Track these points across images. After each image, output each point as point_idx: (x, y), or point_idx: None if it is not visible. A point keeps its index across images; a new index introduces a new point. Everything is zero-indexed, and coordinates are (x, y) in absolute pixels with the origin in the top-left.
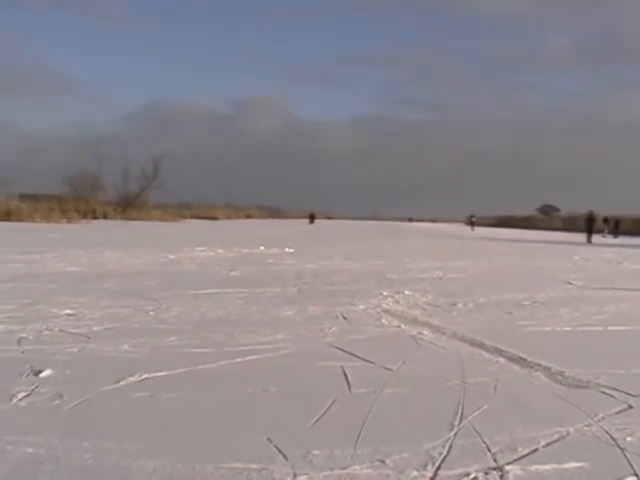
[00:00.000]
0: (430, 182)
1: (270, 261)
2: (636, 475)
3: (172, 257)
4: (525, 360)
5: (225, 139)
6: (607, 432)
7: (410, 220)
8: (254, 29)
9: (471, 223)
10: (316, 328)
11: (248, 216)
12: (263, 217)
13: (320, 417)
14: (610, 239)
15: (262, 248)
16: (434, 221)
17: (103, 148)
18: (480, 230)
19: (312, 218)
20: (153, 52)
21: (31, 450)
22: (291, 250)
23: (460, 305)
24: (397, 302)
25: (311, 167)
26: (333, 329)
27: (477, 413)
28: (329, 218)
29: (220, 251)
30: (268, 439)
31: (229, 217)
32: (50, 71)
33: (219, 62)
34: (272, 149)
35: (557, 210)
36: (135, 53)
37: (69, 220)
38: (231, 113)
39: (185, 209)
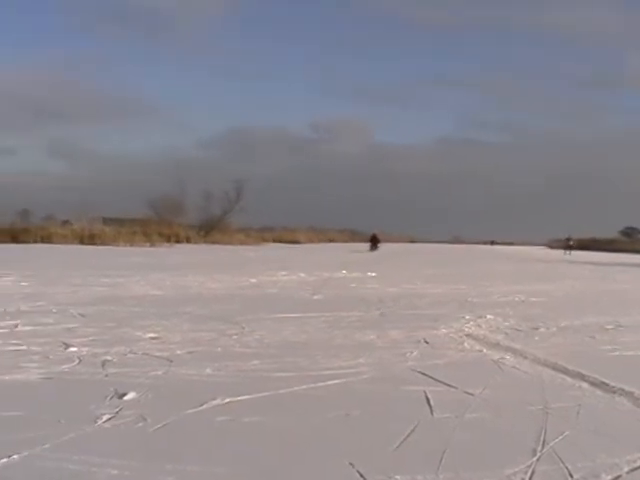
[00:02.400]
0: (510, 204)
1: (352, 285)
2: None
3: (254, 281)
4: (608, 385)
5: (306, 162)
6: None
7: (492, 243)
8: (334, 52)
9: (568, 246)
10: (398, 352)
11: (330, 240)
12: (345, 240)
13: (402, 442)
14: None
15: (344, 272)
16: (514, 244)
17: (185, 172)
18: (563, 253)
19: (374, 242)
20: (234, 78)
21: (115, 472)
22: (373, 274)
23: (542, 329)
24: (479, 326)
25: (391, 190)
26: (415, 353)
27: (559, 439)
28: (412, 241)
29: (302, 275)
30: (350, 464)
31: (311, 241)
32: (132, 97)
33: (300, 86)
34: (353, 172)
35: None
36: (217, 79)
37: (152, 244)
38: (311, 136)
39: (267, 233)
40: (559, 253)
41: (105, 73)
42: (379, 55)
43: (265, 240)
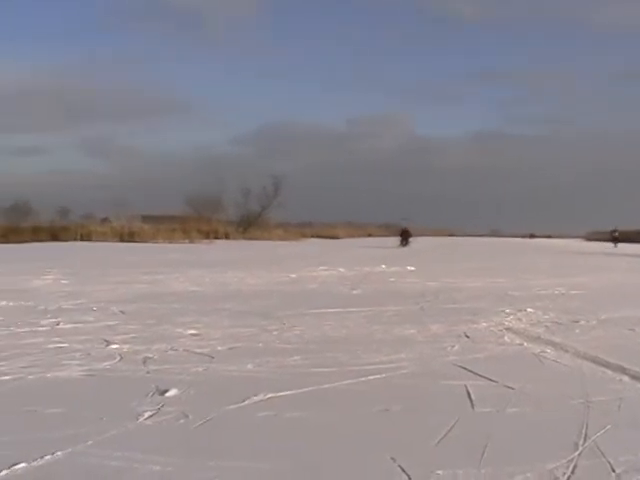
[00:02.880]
0: (549, 197)
1: (391, 279)
2: None
3: (294, 276)
4: None
5: (344, 157)
6: None
7: (531, 236)
8: (371, 47)
9: (614, 239)
10: (438, 346)
11: (369, 234)
12: (383, 235)
13: (443, 436)
14: None
15: (383, 266)
16: (553, 237)
17: (223, 169)
18: (606, 245)
19: (405, 237)
20: (271, 74)
21: (158, 468)
22: (412, 268)
23: (582, 322)
24: (519, 319)
25: (429, 184)
26: (455, 347)
27: (601, 432)
28: (451, 235)
29: (342, 270)
30: (392, 458)
31: (351, 235)
32: (168, 95)
33: (338, 81)
34: (390, 166)
35: None
36: (254, 76)
37: (191, 240)
38: (349, 131)
39: (306, 228)
40: (598, 245)
41: (140, 72)
42: (417, 51)
43: (304, 236)
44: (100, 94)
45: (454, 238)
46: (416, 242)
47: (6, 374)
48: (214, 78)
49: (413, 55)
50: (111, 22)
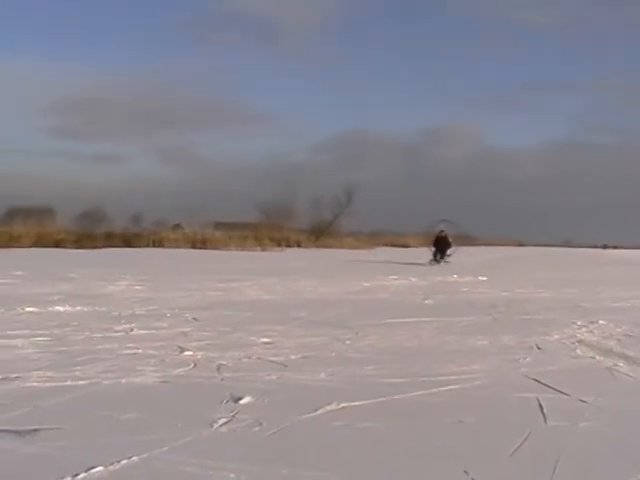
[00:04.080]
0: (623, 208)
1: (463, 289)
2: None
3: (366, 285)
4: None
5: (415, 167)
6: None
7: (604, 247)
8: (443, 57)
9: None
10: (510, 358)
11: (463, 244)
12: (455, 245)
13: (516, 449)
14: None
15: (455, 276)
16: (626, 248)
17: (295, 177)
18: None
19: (441, 247)
20: (343, 84)
21: (232, 476)
22: (484, 278)
23: None
24: (591, 332)
25: (500, 194)
26: (527, 359)
27: None
28: (520, 245)
29: (413, 279)
30: (465, 472)
31: (421, 245)
32: (243, 104)
33: (409, 91)
34: (461, 176)
35: None
36: (325, 85)
37: (263, 248)
38: (420, 141)
39: (378, 237)
40: None
41: (218, 82)
42: (489, 59)
43: (375, 244)
44: (177, 104)
45: (524, 248)
46: (460, 254)
47: (82, 379)
48: (289, 88)
49: (481, 64)
50: (190, 33)
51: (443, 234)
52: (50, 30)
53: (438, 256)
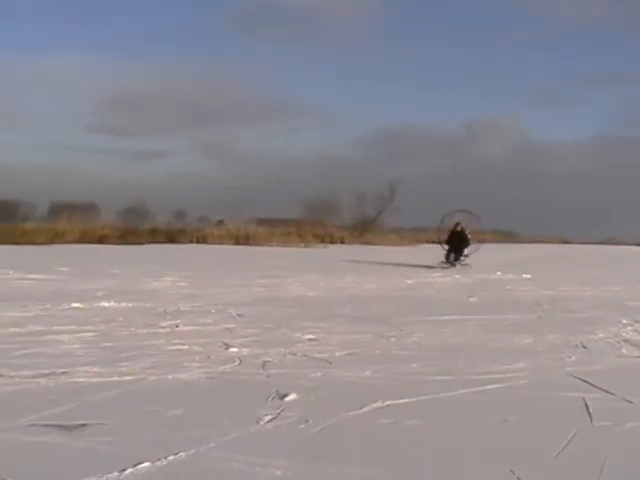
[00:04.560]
0: None
1: (507, 287)
2: None
3: (410, 282)
4: None
5: (457, 162)
6: None
7: None
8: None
9: None
10: (556, 357)
11: (483, 240)
12: (498, 241)
13: (562, 449)
14: None
15: (499, 273)
16: None
17: (339, 172)
18: None
19: (456, 245)
20: (388, 79)
21: (279, 473)
22: (528, 275)
23: None
24: (637, 331)
25: (545, 189)
26: (572, 358)
27: None
28: (564, 242)
29: (457, 276)
30: (511, 471)
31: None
32: (288, 99)
33: (454, 86)
34: (505, 171)
35: None
36: (371, 80)
37: (306, 244)
38: (464, 136)
39: (420, 233)
40: None
41: (262, 76)
42: (529, 53)
43: (418, 241)
44: (221, 99)
45: (569, 245)
46: (482, 254)
47: (128, 375)
48: (332, 83)
49: (526, 58)
50: (237, 28)
51: (459, 228)
52: (98, 26)
53: (452, 256)
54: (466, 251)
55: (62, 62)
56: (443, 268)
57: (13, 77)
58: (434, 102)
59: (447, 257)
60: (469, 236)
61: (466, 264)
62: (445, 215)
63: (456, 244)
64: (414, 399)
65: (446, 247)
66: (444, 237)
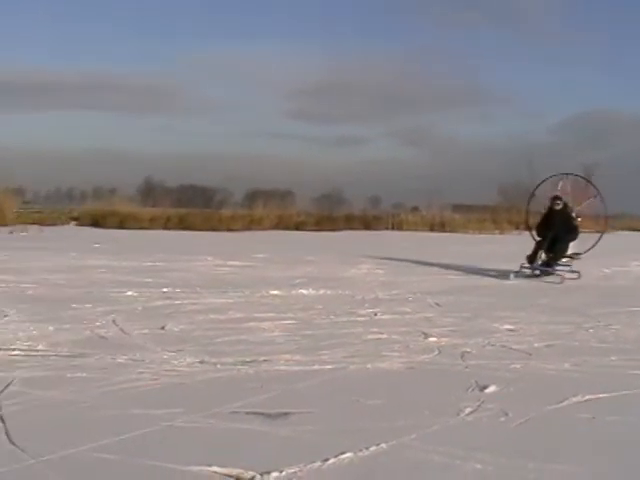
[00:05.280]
0: None
1: None
2: None
3: (606, 271)
4: None
5: None
6: None
7: None
8: None
9: None
10: None
11: (604, 229)
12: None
13: None
14: None
15: None
16: None
17: (535, 159)
18: None
19: (556, 231)
20: (585, 63)
21: (479, 467)
22: None
23: None
24: None
25: None
26: None
27: None
28: None
29: None
30: None
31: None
32: (483, 85)
33: None
34: None
35: None
36: (566, 65)
37: (501, 231)
38: None
39: (617, 220)
40: None
41: (455, 62)
42: None
43: (614, 228)
44: (414, 85)
45: None
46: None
47: (329, 363)
48: (527, 67)
49: None
50: (429, 14)
51: (558, 206)
52: (287, 15)
53: (541, 256)
54: (573, 247)
55: (254, 52)
56: (519, 277)
57: (214, 66)
58: (632, 86)
59: (532, 257)
60: (576, 221)
61: (572, 272)
62: (541, 182)
63: (554, 234)
64: (614, 394)
65: (537, 237)
66: (536, 220)
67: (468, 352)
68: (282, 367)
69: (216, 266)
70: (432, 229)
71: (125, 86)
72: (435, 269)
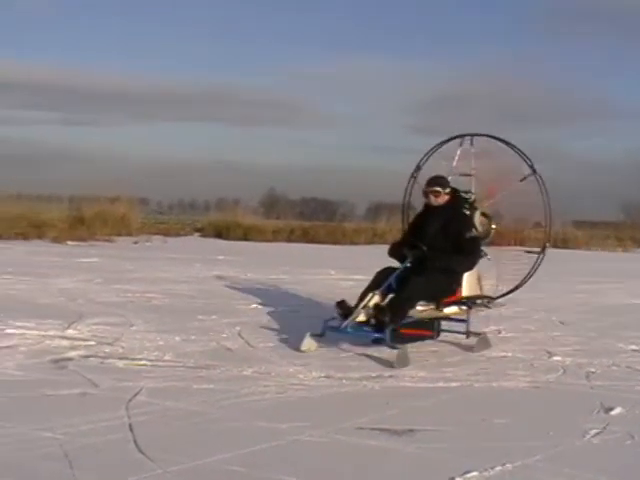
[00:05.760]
0: None
1: None
2: None
3: None
4: None
5: None
6: None
7: None
8: None
9: None
10: None
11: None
12: None
13: None
14: None
15: None
16: None
17: None
18: None
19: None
20: None
21: None
22: None
23: None
24: None
25: None
26: None
27: None
28: None
29: None
30: None
31: None
32: (604, 98)
33: None
34: None
35: None
36: None
37: (624, 249)
38: None
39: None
40: None
41: (572, 75)
42: None
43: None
44: (530, 97)
45: None
46: None
47: (453, 380)
48: None
49: None
50: (541, 26)
51: (438, 199)
52: (399, 31)
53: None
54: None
55: (371, 66)
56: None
57: (328, 79)
58: None
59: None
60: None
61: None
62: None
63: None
64: None
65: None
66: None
67: (593, 372)
68: (407, 383)
69: (338, 280)
70: (555, 245)
71: (250, 99)
72: (557, 285)
